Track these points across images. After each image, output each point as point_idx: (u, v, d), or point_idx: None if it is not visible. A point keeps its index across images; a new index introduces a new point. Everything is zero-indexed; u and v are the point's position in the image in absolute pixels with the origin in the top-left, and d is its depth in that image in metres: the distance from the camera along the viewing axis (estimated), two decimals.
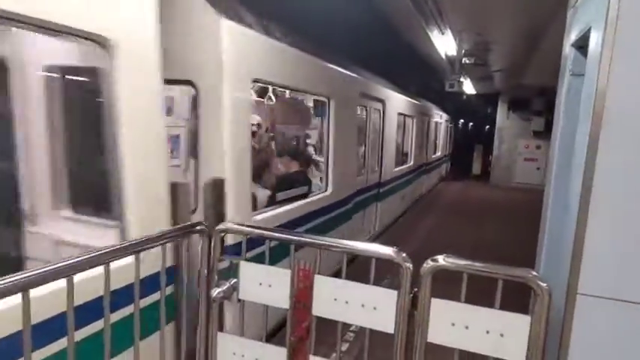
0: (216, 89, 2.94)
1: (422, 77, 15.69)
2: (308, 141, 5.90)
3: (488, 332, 1.71)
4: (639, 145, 1.66)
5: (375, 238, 7.51)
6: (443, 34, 7.62)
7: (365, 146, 6.84)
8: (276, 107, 4.92)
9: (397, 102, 8.40)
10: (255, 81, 3.48)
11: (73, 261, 1.42)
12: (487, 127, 29.76)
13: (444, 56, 9.52)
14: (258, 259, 2.07)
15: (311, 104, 5.61)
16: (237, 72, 3.09)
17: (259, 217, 3.56)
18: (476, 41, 8.19)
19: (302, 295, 1.93)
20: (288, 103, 5.43)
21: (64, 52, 2.42)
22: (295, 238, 2.01)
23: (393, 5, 6.49)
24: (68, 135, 2.59)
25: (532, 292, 1.63)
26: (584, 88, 1.96)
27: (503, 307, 1.68)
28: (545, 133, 14.52)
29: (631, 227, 1.68)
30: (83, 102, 2.69)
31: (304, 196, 4.62)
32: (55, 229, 2.53)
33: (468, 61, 9.45)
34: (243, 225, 2.01)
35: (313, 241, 1.94)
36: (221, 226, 2.01)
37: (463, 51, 8.97)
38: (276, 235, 2.04)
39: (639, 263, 1.68)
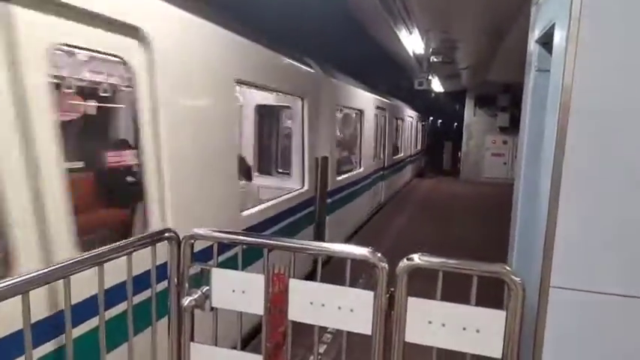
0: None
1: (392, 76, 15.85)
2: None
3: (464, 329, 1.71)
4: (606, 138, 1.70)
5: (352, 236, 7.49)
6: (411, 33, 7.71)
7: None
8: None
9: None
10: None
11: (28, 276, 1.32)
12: (455, 124, 30.49)
13: (412, 55, 9.63)
14: (229, 263, 2.00)
15: None
16: None
17: None
18: (442, 39, 8.32)
19: (277, 300, 1.88)
20: None
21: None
22: (268, 242, 1.96)
23: (362, 5, 6.50)
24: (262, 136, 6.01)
25: (506, 287, 1.64)
26: (550, 84, 1.99)
27: (482, 302, 1.69)
28: (510, 128, 14.96)
29: (600, 219, 1.71)
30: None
31: None
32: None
33: (435, 60, 9.61)
34: (213, 230, 1.94)
35: (286, 244, 1.90)
36: (190, 233, 1.93)
37: (430, 49, 9.10)
38: (248, 239, 1.98)
39: (609, 255, 1.71)
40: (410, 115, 15.05)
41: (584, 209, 1.72)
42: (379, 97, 9.69)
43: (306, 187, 5.31)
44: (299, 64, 4.94)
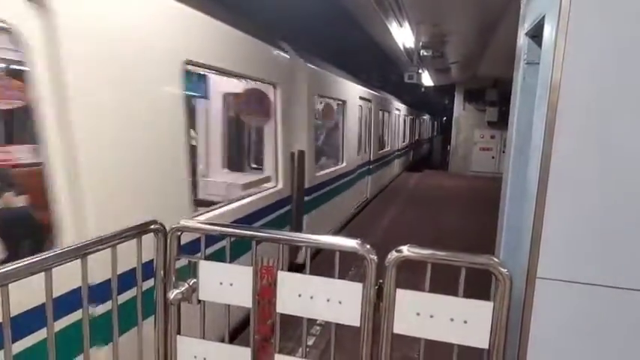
0: None
1: (382, 69, 15.85)
2: None
3: (452, 320, 1.72)
4: (594, 130, 1.71)
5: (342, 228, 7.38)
6: (401, 26, 7.69)
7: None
8: None
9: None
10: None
11: (6, 269, 1.29)
12: (445, 118, 30.67)
13: (402, 48, 9.62)
14: (218, 255, 1.98)
15: None
16: None
17: None
18: (433, 33, 8.33)
19: (265, 292, 1.87)
20: None
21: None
22: (256, 233, 1.94)
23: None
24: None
25: (493, 278, 1.65)
26: (540, 76, 2.00)
27: (471, 292, 1.70)
28: (498, 123, 15.09)
29: (587, 211, 1.73)
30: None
31: None
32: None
33: (425, 53, 9.62)
34: (201, 222, 1.91)
35: (275, 236, 1.88)
36: (177, 225, 1.91)
37: (420, 43, 9.11)
38: (237, 231, 1.96)
39: (595, 246, 1.73)
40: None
41: (571, 202, 1.73)
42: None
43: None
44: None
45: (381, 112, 11.43)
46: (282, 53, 4.74)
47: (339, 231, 7.43)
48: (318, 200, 6.16)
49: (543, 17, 1.98)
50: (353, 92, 8.26)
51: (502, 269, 1.65)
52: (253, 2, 9.92)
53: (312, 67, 5.72)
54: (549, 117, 1.73)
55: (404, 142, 16.93)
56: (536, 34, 2.18)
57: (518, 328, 1.83)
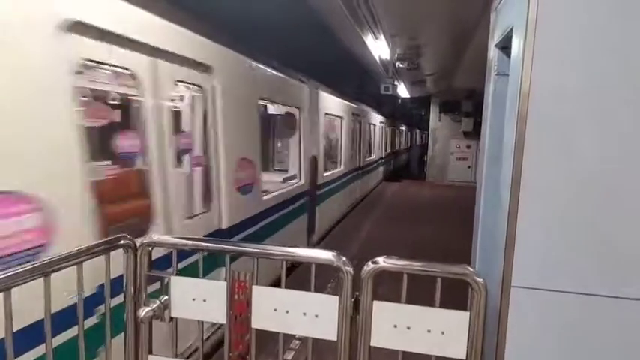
0: None
1: (359, 80, 16.05)
2: None
3: (429, 331, 1.71)
4: (563, 141, 1.74)
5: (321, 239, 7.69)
6: (377, 38, 7.79)
7: None
8: None
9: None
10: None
11: None
12: (421, 128, 31.12)
13: (378, 60, 9.74)
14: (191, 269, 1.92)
15: None
16: None
17: None
18: (408, 46, 8.47)
19: (240, 307, 1.82)
20: None
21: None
22: (230, 247, 1.90)
23: (329, 10, 6.52)
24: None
25: (470, 288, 1.65)
26: (509, 87, 2.04)
27: (449, 301, 1.69)
28: (474, 133, 15.40)
29: (557, 219, 1.76)
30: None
31: None
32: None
33: (401, 65, 9.76)
34: (171, 237, 1.86)
35: (249, 249, 1.84)
36: (147, 239, 1.84)
37: (396, 55, 9.24)
38: (210, 245, 1.91)
39: (567, 254, 1.76)
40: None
41: (542, 211, 1.76)
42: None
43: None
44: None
45: (367, 125, 13.12)
46: (302, 84, 6.47)
47: (340, 221, 9.26)
48: (325, 195, 8.12)
49: (512, 29, 2.03)
50: (347, 109, 10.14)
51: (477, 278, 1.65)
52: (233, 7, 9.96)
53: (322, 92, 7.69)
54: (519, 127, 1.76)
55: (386, 151, 18.24)
56: (505, 46, 2.24)
57: (495, 336, 1.83)
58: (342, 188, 9.64)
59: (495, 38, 2.56)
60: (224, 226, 3.80)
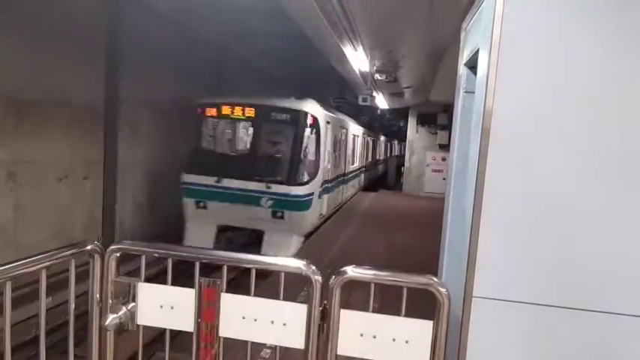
0: None
1: (340, 91, 16.30)
2: None
3: (394, 340, 1.75)
4: (524, 157, 1.83)
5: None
6: (356, 50, 7.92)
7: None
8: None
9: None
10: None
11: None
12: (399, 139, 31.55)
13: (357, 72, 9.89)
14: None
15: None
16: None
17: None
18: (388, 59, 8.63)
19: (207, 315, 1.82)
20: None
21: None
22: (198, 255, 1.90)
23: (308, 22, 6.60)
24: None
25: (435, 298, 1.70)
26: (475, 105, 2.12)
27: (422, 308, 1.74)
28: (448, 146, 15.71)
29: (516, 231, 1.84)
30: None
31: None
32: None
33: (379, 77, 9.94)
34: (139, 243, 1.85)
35: (218, 257, 1.85)
36: (114, 246, 1.83)
37: (375, 67, 9.40)
38: (178, 253, 1.91)
39: (525, 265, 1.83)
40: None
41: (502, 223, 1.83)
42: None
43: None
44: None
45: (352, 136, 14.53)
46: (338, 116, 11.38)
47: (339, 208, 12.53)
48: (329, 188, 11.00)
49: (478, 50, 2.12)
50: (336, 122, 11.98)
51: (441, 289, 1.70)
52: (218, 18, 9.94)
53: (331, 114, 10.79)
54: (483, 143, 1.84)
55: (367, 160, 19.34)
56: (473, 65, 2.33)
57: (457, 346, 1.89)
58: (336, 186, 12.31)
59: (464, 57, 2.66)
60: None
